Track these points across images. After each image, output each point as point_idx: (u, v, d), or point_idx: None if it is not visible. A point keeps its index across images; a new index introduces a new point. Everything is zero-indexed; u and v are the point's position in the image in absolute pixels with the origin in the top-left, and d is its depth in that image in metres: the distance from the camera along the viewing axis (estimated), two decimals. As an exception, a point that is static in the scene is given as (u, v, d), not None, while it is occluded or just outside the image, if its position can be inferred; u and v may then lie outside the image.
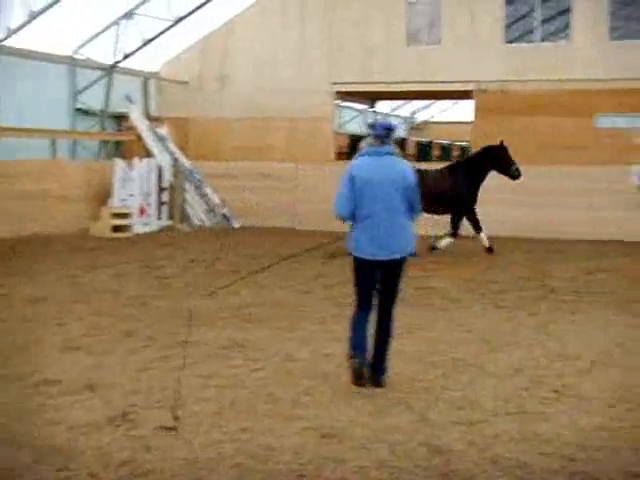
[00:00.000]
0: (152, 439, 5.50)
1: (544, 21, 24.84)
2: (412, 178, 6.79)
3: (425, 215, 15.72)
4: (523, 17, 25.21)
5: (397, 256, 6.67)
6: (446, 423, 5.87)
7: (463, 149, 35.05)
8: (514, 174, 15.44)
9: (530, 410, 6.22)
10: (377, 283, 6.82)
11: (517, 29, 25.60)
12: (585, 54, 23.08)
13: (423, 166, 16.32)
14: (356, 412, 6.10)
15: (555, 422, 5.94)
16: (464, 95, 25.04)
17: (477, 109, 23.71)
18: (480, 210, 17.34)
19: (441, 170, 15.92)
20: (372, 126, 6.89)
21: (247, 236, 18.40)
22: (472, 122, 24.16)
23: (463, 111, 32.64)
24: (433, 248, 15.30)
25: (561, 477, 4.96)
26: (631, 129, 22.35)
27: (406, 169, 6.80)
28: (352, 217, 6.75)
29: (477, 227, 15.42)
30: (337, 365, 7.33)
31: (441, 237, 15.65)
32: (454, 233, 15.58)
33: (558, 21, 25.34)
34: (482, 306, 10.34)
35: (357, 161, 6.82)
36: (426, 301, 10.64)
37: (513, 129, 22.81)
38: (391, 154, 6.75)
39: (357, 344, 6.80)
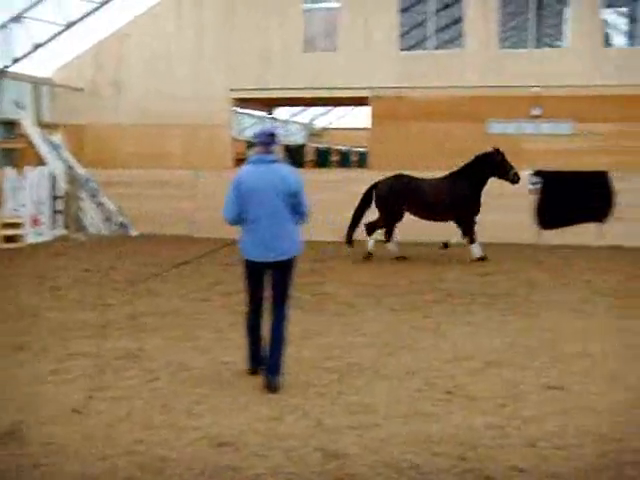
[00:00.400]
0: (42, 456, 5.35)
1: (438, 30, 25.39)
2: (295, 184, 7.01)
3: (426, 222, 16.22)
4: (418, 25, 25.73)
5: (283, 258, 6.97)
6: (341, 427, 5.91)
7: (361, 155, 35.42)
8: (514, 179, 15.55)
9: (423, 412, 6.32)
10: (269, 286, 7.12)
11: (412, 37, 26.12)
12: (477, 62, 23.68)
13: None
14: (252, 420, 6.08)
15: (447, 422, 6.06)
16: (361, 101, 25.33)
17: (374, 115, 24.01)
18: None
19: (440, 178, 16.12)
20: (256, 135, 7.19)
21: (144, 244, 18.13)
22: (369, 128, 24.46)
23: (361, 117, 33.02)
24: (445, 246, 16.03)
25: (452, 476, 5.06)
26: (520, 135, 23.04)
27: (289, 175, 7.03)
28: (240, 221, 7.05)
29: (472, 237, 15.61)
30: (233, 373, 7.31)
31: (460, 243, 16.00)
32: (472, 240, 15.72)
33: (452, 30, 25.97)
34: (377, 310, 10.45)
35: (243, 169, 7.16)
36: (321, 307, 10.68)
37: (409, 135, 23.24)
38: (275, 161, 7.03)
39: (253, 355, 7.26)
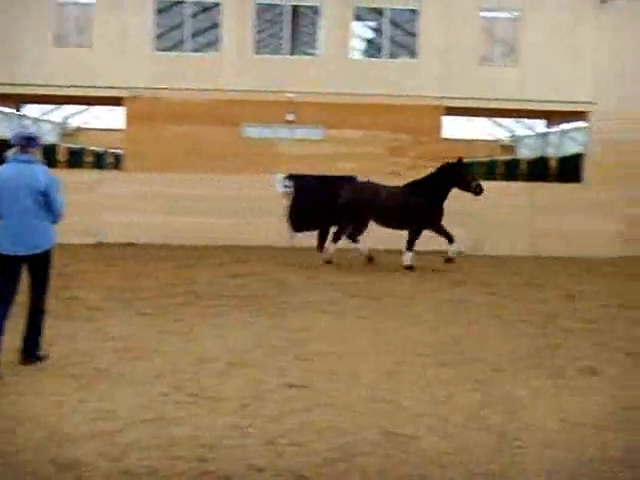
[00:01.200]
0: None
1: (196, 33, 25.41)
2: (45, 183, 7.52)
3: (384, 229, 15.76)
4: (175, 28, 25.60)
5: (34, 252, 7.52)
6: (79, 436, 5.71)
7: (118, 156, 34.68)
8: (476, 191, 15.21)
9: (167, 415, 6.25)
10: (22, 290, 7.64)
11: (169, 39, 25.95)
12: (233, 66, 23.97)
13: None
14: (-19, 434, 5.73)
15: (190, 425, 6.03)
16: (116, 101, 24.79)
17: (128, 116, 23.60)
18: (129, 218, 17.34)
19: (401, 187, 15.73)
20: (14, 137, 7.69)
21: None
22: (124, 129, 24.00)
23: (119, 118, 32.31)
24: (448, 260, 15.30)
25: (190, 478, 5.04)
26: (275, 139, 23.58)
27: (40, 175, 7.55)
28: None
29: (411, 245, 15.32)
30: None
31: (448, 249, 15.44)
32: (410, 247, 15.41)
33: (210, 34, 26.07)
34: (127, 314, 10.21)
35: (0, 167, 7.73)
36: (69, 311, 10.28)
37: (165, 137, 23.08)
38: (30, 162, 7.57)
39: None
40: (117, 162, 34.73)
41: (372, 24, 27.99)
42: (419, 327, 9.98)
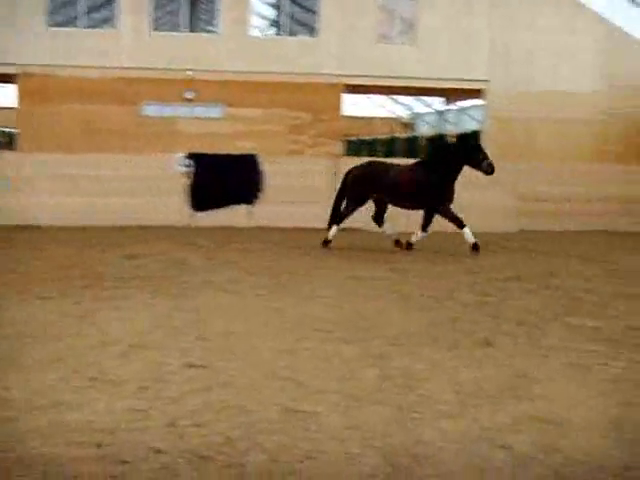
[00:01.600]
0: None
1: (91, 8, 24.79)
2: None
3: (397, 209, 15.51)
4: (69, 3, 24.91)
5: None
6: (-29, 426, 5.57)
7: (10, 136, 33.65)
8: (487, 170, 14.75)
9: (64, 401, 6.13)
10: None
11: (63, 14, 25.23)
12: (130, 43, 23.51)
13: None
14: None
15: (88, 410, 5.93)
16: (8, 79, 24.01)
17: (21, 94, 22.90)
18: (25, 200, 16.92)
19: (412, 164, 15.43)
20: None
21: None
22: (16, 107, 23.31)
23: (11, 95, 31.33)
24: (409, 245, 15.18)
25: (88, 464, 4.96)
26: (175, 118, 23.29)
27: None
28: None
29: (460, 223, 14.94)
30: None
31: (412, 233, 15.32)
32: (425, 227, 15.14)
33: (106, 9, 25.47)
34: (20, 299, 9.95)
35: None
36: (-39, 297, 10.00)
37: (60, 115, 22.52)
38: None
39: None
40: (11, 142, 33.68)
41: (271, 1, 27.87)
42: (319, 304, 10.06)
